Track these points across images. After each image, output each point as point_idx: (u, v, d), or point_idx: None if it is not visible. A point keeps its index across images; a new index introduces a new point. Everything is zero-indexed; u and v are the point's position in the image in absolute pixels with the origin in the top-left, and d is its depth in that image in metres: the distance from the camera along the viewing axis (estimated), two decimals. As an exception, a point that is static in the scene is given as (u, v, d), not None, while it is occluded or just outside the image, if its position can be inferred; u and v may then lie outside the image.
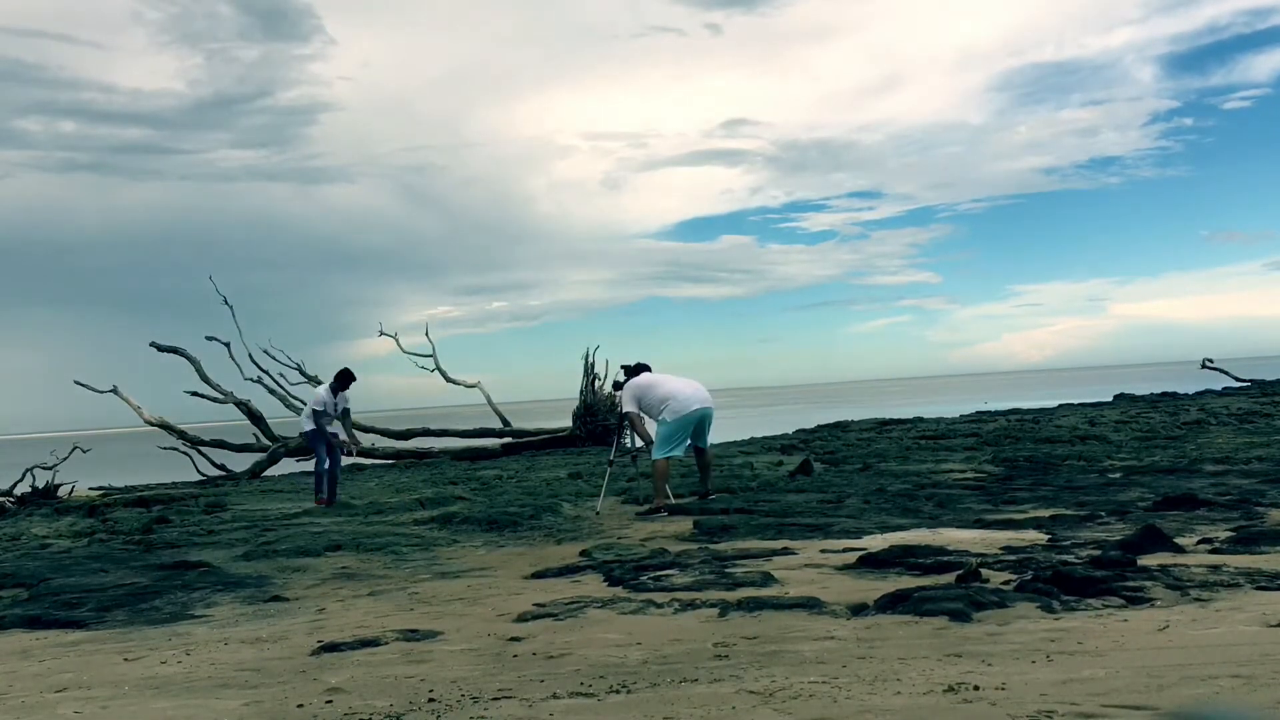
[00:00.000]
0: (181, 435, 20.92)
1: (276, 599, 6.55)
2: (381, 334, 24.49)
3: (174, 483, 19.25)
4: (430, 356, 23.78)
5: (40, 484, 16.78)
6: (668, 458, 10.42)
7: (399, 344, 24.34)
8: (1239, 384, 34.78)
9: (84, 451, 19.30)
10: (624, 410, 10.66)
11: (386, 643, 4.95)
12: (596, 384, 21.77)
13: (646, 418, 10.75)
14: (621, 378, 11.06)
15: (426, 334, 24.95)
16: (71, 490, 16.86)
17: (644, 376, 10.86)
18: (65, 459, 17.91)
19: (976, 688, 3.53)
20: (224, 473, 20.59)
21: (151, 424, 20.87)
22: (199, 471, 20.47)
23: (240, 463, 21.06)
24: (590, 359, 21.95)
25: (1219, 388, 35.06)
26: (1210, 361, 37.84)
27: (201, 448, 20.83)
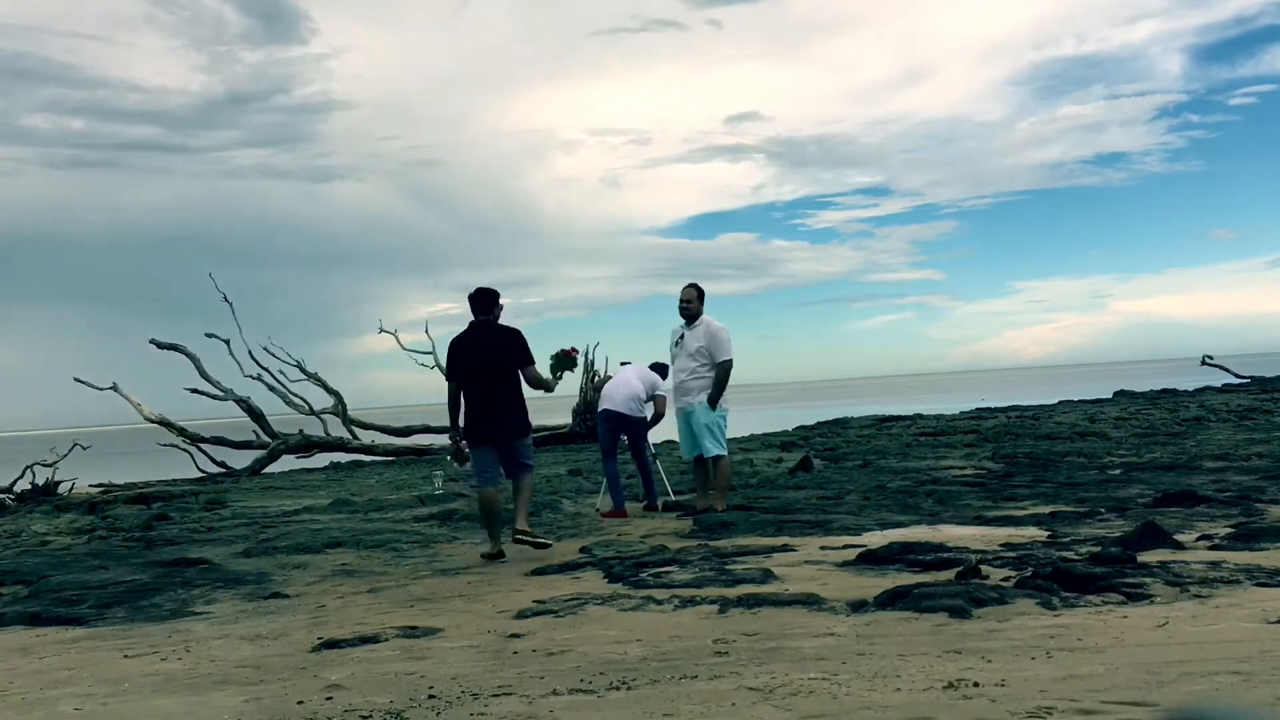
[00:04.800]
0: (181, 432, 20.92)
1: (276, 596, 6.55)
2: (381, 331, 24.51)
3: (174, 479, 19.26)
4: (430, 354, 23.79)
5: (40, 481, 16.78)
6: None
7: (399, 341, 24.37)
8: (1239, 381, 34.84)
9: (84, 448, 19.30)
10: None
11: (386, 639, 4.95)
12: (596, 381, 21.78)
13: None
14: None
15: (426, 331, 25.03)
16: (71, 487, 16.85)
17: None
18: (65, 456, 17.91)
19: (976, 684, 3.53)
20: (224, 469, 20.59)
21: (151, 421, 20.87)
22: (199, 468, 20.48)
23: (240, 459, 21.06)
24: (590, 356, 21.97)
25: (1219, 384, 35.12)
26: (1210, 358, 37.85)
27: (201, 445, 20.83)
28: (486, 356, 7.77)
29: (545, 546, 7.71)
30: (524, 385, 7.88)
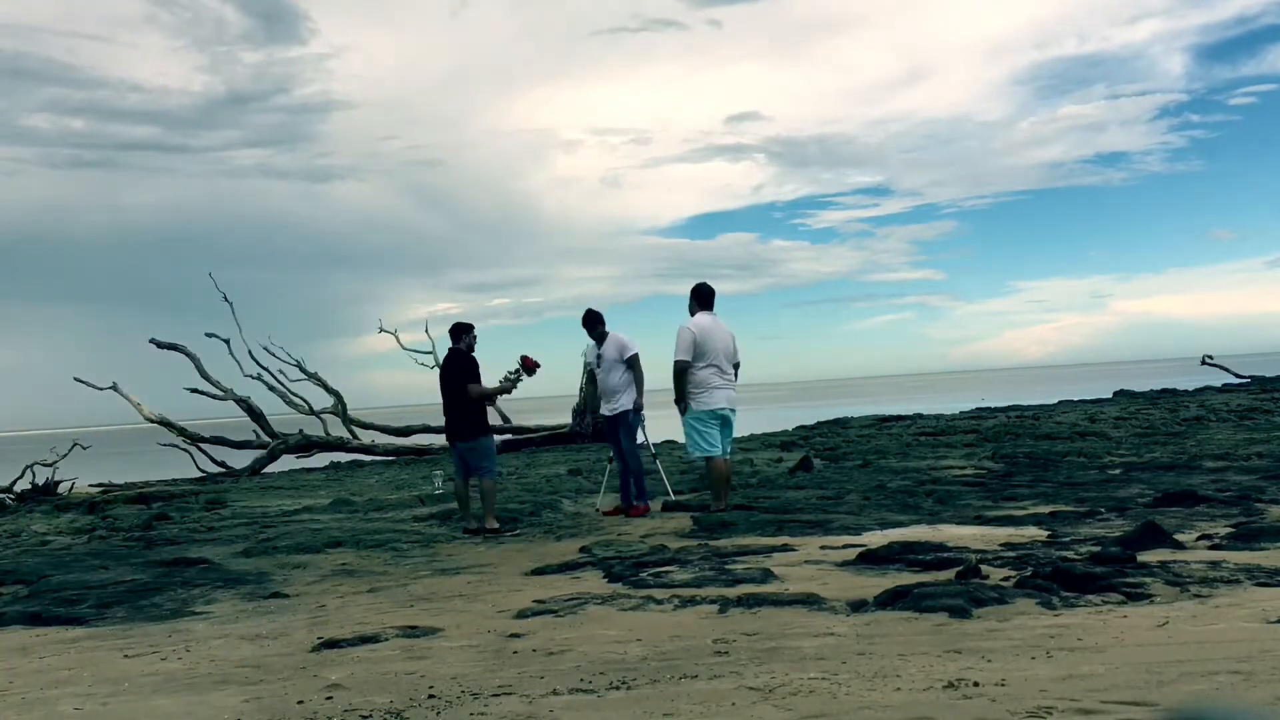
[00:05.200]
0: (181, 432, 20.91)
1: (276, 596, 6.55)
2: (381, 330, 24.52)
3: (174, 479, 19.27)
4: (430, 354, 23.78)
5: (40, 481, 16.78)
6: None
7: (399, 340, 24.37)
8: (1239, 380, 34.82)
9: (84, 448, 19.33)
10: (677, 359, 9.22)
11: (386, 639, 4.95)
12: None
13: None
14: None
15: (426, 331, 25.05)
16: (71, 487, 16.86)
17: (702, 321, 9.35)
18: (65, 456, 17.92)
19: (976, 684, 3.52)
20: (224, 469, 20.60)
21: (151, 420, 20.86)
22: (199, 468, 20.48)
23: (240, 459, 21.06)
24: (589, 356, 21.95)
25: (1219, 384, 35.10)
26: (1210, 358, 37.83)
27: (201, 444, 20.82)
28: (446, 375, 9.78)
29: (498, 531, 9.23)
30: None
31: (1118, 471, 11.36)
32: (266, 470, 20.42)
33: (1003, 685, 3.50)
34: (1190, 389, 33.02)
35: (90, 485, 17.25)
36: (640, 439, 10.96)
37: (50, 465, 17.25)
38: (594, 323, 10.45)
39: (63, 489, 16.73)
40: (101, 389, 20.70)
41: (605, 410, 10.51)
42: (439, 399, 9.88)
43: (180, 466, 20.78)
